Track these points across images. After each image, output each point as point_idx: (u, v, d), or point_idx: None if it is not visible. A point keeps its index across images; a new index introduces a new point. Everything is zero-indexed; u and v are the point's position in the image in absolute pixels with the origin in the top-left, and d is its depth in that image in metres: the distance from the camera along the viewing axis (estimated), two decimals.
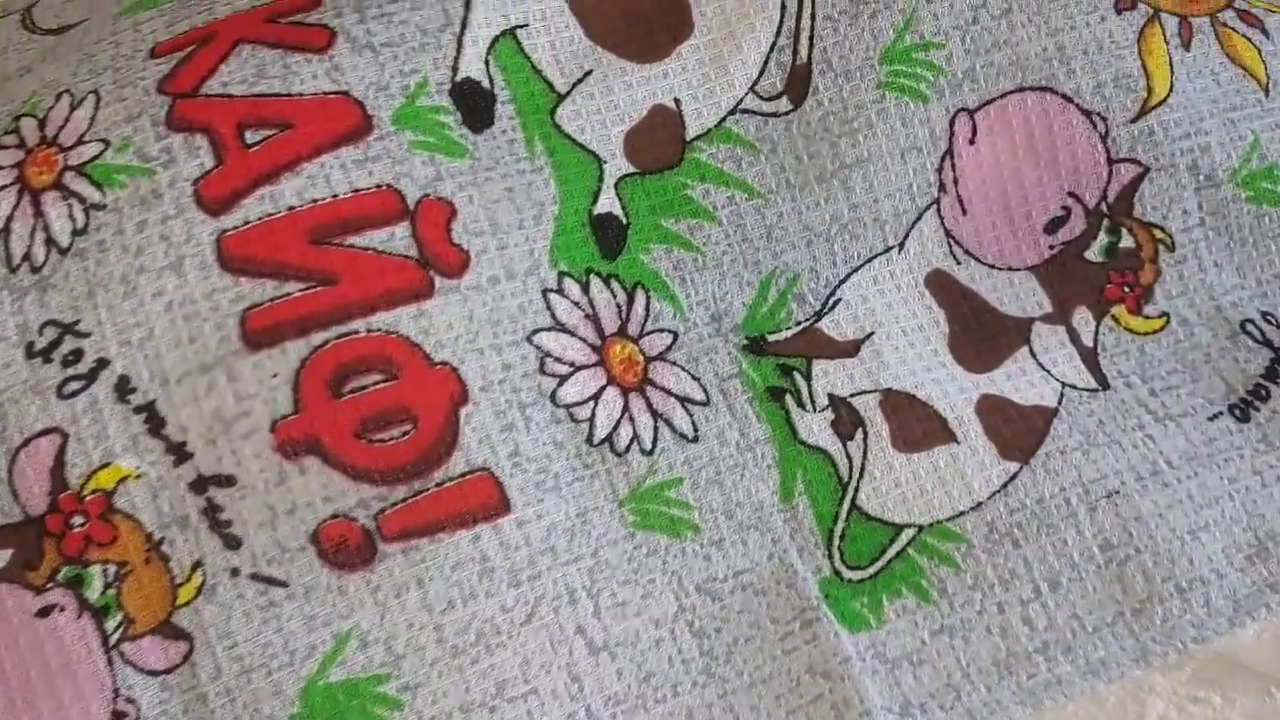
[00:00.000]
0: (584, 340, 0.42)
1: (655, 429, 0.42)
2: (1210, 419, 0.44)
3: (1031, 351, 0.45)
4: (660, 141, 0.44)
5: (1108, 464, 0.43)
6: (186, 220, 0.38)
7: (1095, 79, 0.46)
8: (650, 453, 0.42)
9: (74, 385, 0.38)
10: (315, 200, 0.40)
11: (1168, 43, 0.47)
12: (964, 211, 0.46)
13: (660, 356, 0.43)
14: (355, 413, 0.38)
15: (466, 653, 0.38)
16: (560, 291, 0.42)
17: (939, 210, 0.46)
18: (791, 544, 0.42)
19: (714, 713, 0.39)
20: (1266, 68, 0.48)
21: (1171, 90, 0.47)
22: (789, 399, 0.43)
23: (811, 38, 0.45)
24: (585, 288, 0.42)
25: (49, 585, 0.37)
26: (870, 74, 0.45)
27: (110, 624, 0.38)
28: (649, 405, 0.42)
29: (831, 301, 0.45)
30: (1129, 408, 0.44)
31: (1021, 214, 0.46)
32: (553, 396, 0.41)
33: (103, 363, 0.38)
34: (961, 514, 0.42)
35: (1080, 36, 0.46)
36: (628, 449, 0.41)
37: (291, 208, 0.40)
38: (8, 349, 0.38)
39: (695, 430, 0.42)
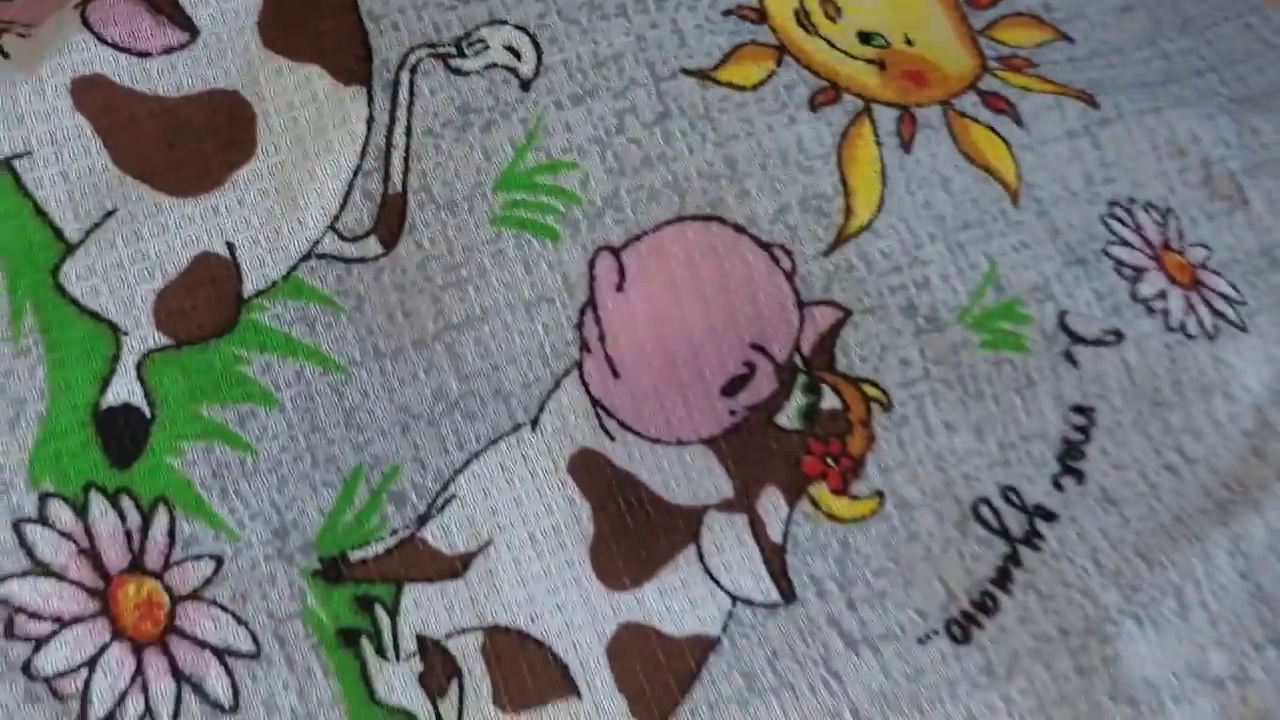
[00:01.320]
0: (77, 584, 0.32)
1: (178, 698, 0.32)
2: (920, 641, 0.35)
3: (700, 553, 0.35)
4: (206, 301, 0.34)
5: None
6: None
7: (777, 201, 0.36)
8: None
9: None
10: None
11: (880, 145, 0.37)
12: (615, 375, 0.36)
13: (195, 594, 0.33)
14: None
15: None
16: (42, 520, 0.32)
17: (582, 375, 0.35)
18: None
19: None
20: (1018, 166, 0.38)
21: (880, 210, 0.36)
22: (365, 644, 0.33)
23: (407, 159, 0.35)
24: (81, 511, 0.32)
25: None
26: (482, 205, 0.35)
27: None
28: (172, 665, 0.32)
29: (442, 500, 0.34)
30: (815, 629, 0.34)
31: (691, 374, 0.36)
32: (26, 667, 0.30)
33: None
34: None
35: (758, 146, 0.36)
36: None
37: None
38: None
39: (235, 696, 0.32)
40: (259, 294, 0.35)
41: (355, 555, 0.34)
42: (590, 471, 0.36)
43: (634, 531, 0.35)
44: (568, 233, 0.35)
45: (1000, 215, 0.38)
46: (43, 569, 0.32)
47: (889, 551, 0.36)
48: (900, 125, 0.38)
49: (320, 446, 0.34)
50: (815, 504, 0.36)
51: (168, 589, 0.33)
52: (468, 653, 0.33)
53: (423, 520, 0.35)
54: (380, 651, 0.33)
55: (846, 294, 0.36)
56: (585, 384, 0.36)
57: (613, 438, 0.36)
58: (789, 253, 0.36)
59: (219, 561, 0.33)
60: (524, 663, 0.33)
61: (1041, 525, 0.36)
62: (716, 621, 0.34)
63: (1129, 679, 0.34)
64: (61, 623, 0.32)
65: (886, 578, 0.35)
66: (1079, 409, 0.37)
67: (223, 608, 0.33)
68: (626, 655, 0.34)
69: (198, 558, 0.33)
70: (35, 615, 0.31)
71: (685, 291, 0.36)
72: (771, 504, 0.36)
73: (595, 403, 0.36)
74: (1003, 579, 0.35)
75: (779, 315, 0.36)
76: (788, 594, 0.35)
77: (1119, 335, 0.38)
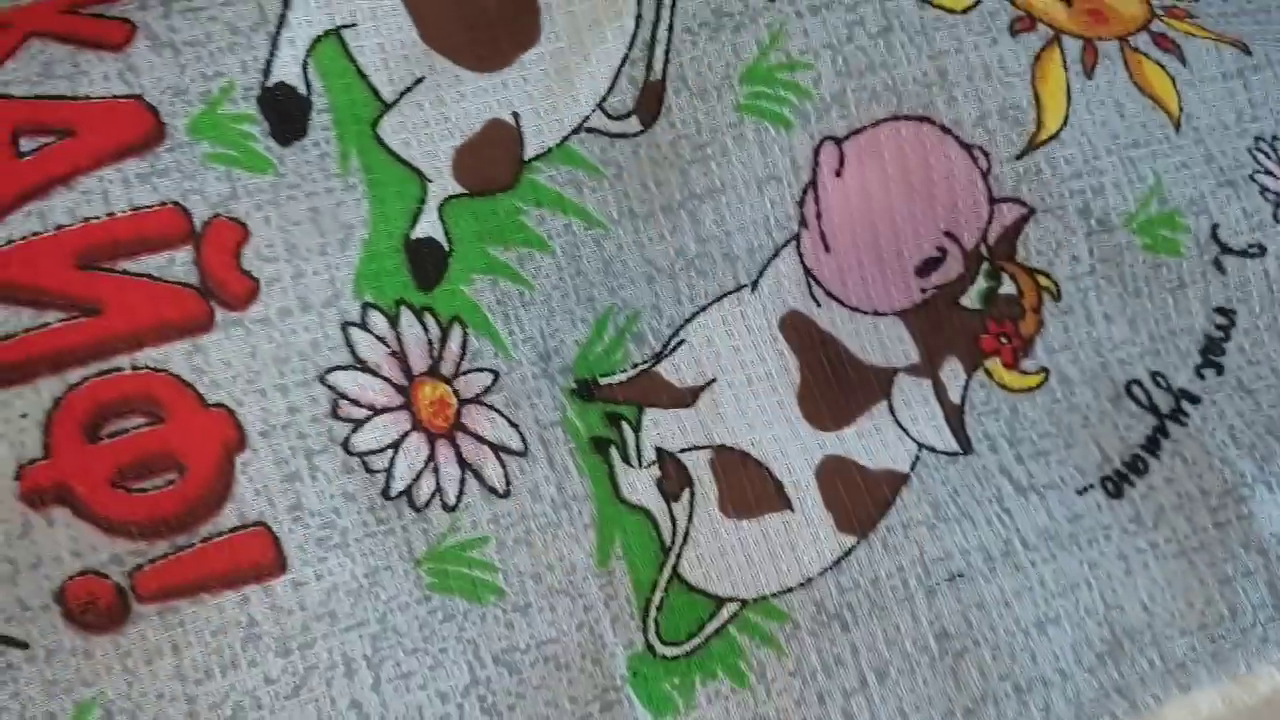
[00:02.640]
0: (388, 380, 0.38)
1: (462, 481, 0.38)
2: (1079, 492, 0.41)
3: (890, 407, 0.41)
4: (494, 160, 0.40)
5: (954, 541, 0.39)
6: None
7: (979, 109, 0.42)
8: (453, 508, 0.38)
9: None
10: (88, 219, 0.36)
11: (1067, 69, 0.43)
12: (827, 249, 0.42)
13: (477, 399, 0.39)
14: (112, 459, 0.35)
15: None
16: (363, 325, 0.38)
17: (799, 247, 0.42)
18: (605, 613, 0.38)
19: None
20: (1180, 99, 0.44)
21: (1065, 124, 0.42)
22: (614, 451, 0.39)
23: (668, 51, 0.41)
24: (393, 321, 0.39)
25: None
26: (729, 94, 0.41)
27: None
28: (458, 454, 0.39)
29: (674, 343, 0.41)
30: (989, 475, 0.40)
31: (891, 253, 0.42)
32: (345, 443, 0.37)
33: None
34: (789, 590, 0.38)
35: (966, 60, 0.42)
36: (428, 504, 0.38)
37: (60, 226, 0.36)
38: None
39: (507, 483, 0.39)
40: (537, 157, 0.41)
41: (604, 381, 0.41)
42: (798, 331, 0.42)
43: (834, 384, 0.42)
44: (799, 123, 0.42)
45: (1165, 139, 0.44)
46: (361, 365, 0.38)
47: (1052, 418, 0.42)
48: (1084, 54, 0.44)
49: (581, 288, 0.41)
50: (989, 375, 0.42)
51: (456, 393, 0.39)
52: (698, 465, 0.40)
53: (658, 358, 0.41)
54: (625, 459, 0.40)
55: (1032, 194, 0.42)
56: (800, 255, 0.42)
57: (819, 304, 0.42)
58: (986, 154, 0.42)
59: (496, 375, 0.40)
60: (745, 478, 0.40)
61: (1186, 405, 0.42)
62: (906, 462, 0.41)
63: (1260, 534, 0.40)
64: (374, 410, 0.38)
65: (1049, 439, 0.41)
66: (1222, 310, 0.43)
67: (499, 412, 0.40)
68: (831, 480, 0.40)
69: (480, 370, 0.40)
70: (354, 402, 0.38)
71: (894, 181, 0.42)
72: (952, 371, 0.42)
73: (807, 272, 0.42)
74: (1151, 446, 0.41)
75: (972, 208, 0.42)
76: (965, 446, 0.41)
77: (1262, 249, 0.43)
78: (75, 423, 0.35)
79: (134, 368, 0.36)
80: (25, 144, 0.37)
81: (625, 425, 0.40)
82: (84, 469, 0.35)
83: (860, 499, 0.39)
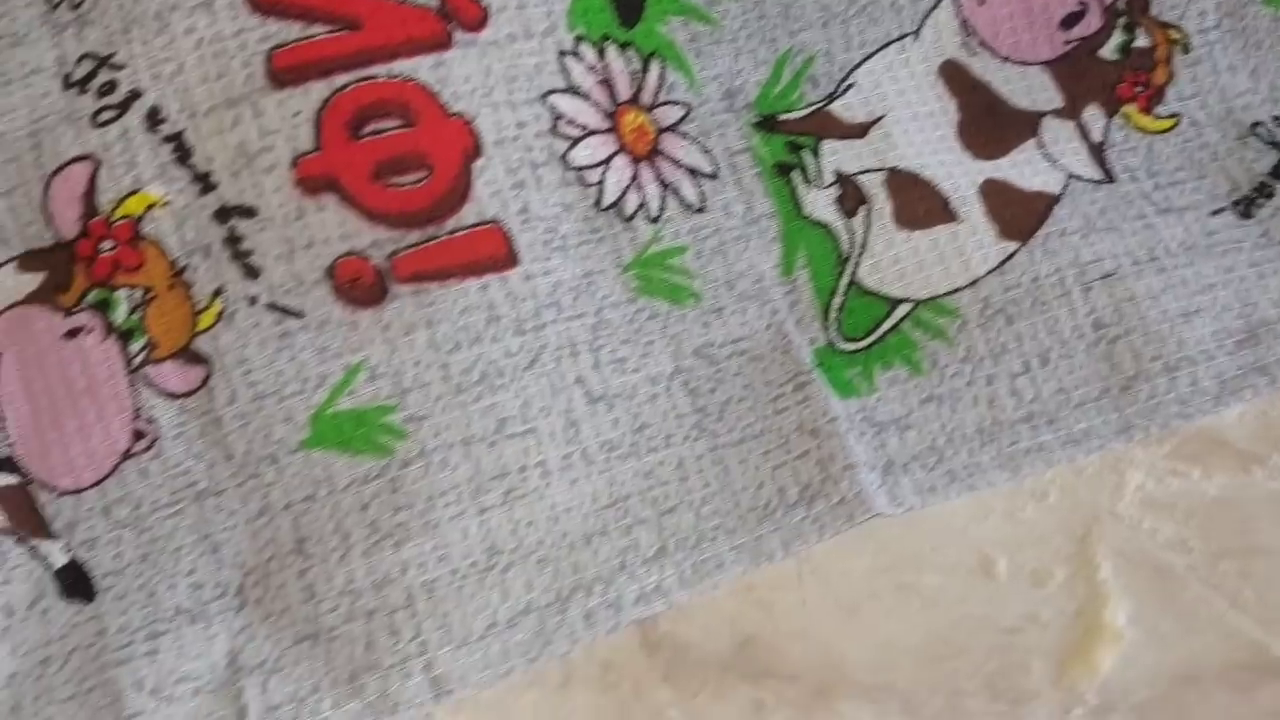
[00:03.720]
0: (597, 105, 0.43)
1: (663, 198, 0.43)
2: (1213, 214, 0.45)
3: (1039, 143, 0.46)
4: None
5: (1105, 248, 0.43)
6: None
7: None
8: (656, 220, 0.43)
9: (107, 115, 0.39)
10: None
11: None
12: (982, 2, 0.46)
13: (671, 128, 0.44)
14: (373, 154, 0.40)
15: (469, 391, 0.40)
16: (576, 55, 0.43)
17: None
18: (790, 315, 0.43)
19: (703, 464, 0.41)
20: None
21: None
22: (795, 175, 0.44)
23: None
24: (601, 54, 0.43)
25: (77, 308, 0.39)
26: None
27: (134, 347, 0.40)
28: (657, 175, 0.43)
29: (844, 86, 0.45)
30: (1132, 199, 0.45)
31: (1039, 7, 0.46)
32: (564, 158, 0.42)
33: (135, 94, 0.39)
34: (957, 290, 0.43)
35: None
36: (634, 215, 0.43)
37: None
38: (45, 80, 0.40)
39: (702, 201, 0.43)
40: None
41: (783, 118, 0.45)
42: (954, 77, 0.46)
43: (987, 123, 0.46)
44: None
45: None
46: (574, 90, 0.43)
47: (1184, 154, 0.46)
48: None
49: (764, 30, 0.45)
50: (1127, 119, 0.47)
51: (654, 121, 0.44)
52: (873, 184, 0.44)
53: (830, 98, 0.46)
54: (806, 180, 0.45)
55: None
56: (958, 6, 0.46)
57: (973, 54, 0.47)
58: None
59: (688, 107, 0.44)
60: (916, 194, 0.44)
61: None
62: (1058, 185, 0.45)
63: None
64: (587, 130, 0.43)
65: (1183, 171, 0.46)
66: None
67: (692, 140, 0.44)
68: (992, 196, 0.44)
69: (674, 102, 0.44)
70: (570, 122, 0.43)
71: None
72: (1092, 116, 0.46)
73: (964, 23, 0.46)
74: (1277, 173, 0.46)
75: None
76: (1109, 176, 0.46)
77: None
78: (341, 121, 0.40)
79: (389, 76, 0.40)
80: None
81: (805, 152, 0.45)
82: (349, 162, 0.40)
83: (1019, 212, 0.44)
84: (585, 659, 0.38)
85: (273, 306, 0.39)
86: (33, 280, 0.40)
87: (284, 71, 0.39)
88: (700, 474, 0.41)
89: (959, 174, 0.45)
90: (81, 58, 0.40)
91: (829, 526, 0.40)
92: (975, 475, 0.41)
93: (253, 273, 0.39)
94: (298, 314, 0.39)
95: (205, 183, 0.39)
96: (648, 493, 0.40)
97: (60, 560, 0.39)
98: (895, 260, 0.44)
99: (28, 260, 0.40)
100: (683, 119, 0.44)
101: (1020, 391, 0.42)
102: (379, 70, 0.40)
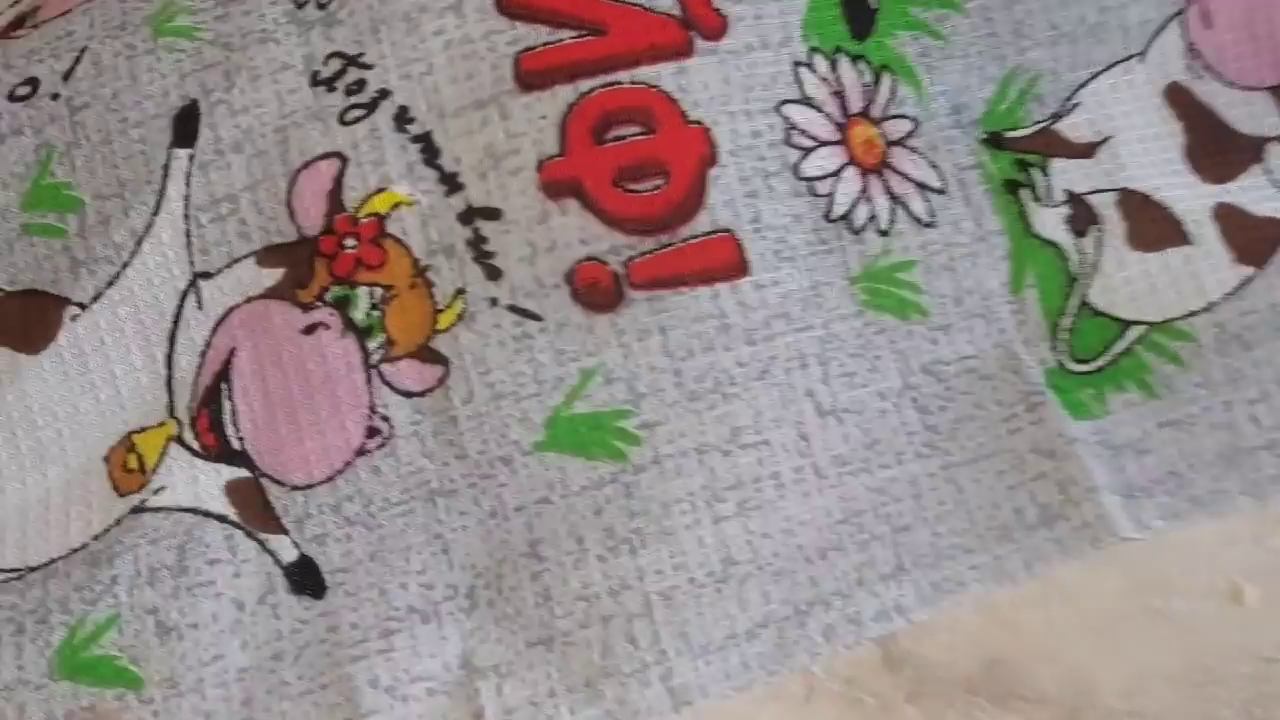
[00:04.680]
0: (829, 117, 0.43)
1: (893, 211, 0.43)
2: None
3: (1266, 169, 0.45)
4: None
5: None
6: None
7: None
8: (886, 233, 0.42)
9: (355, 113, 0.40)
10: None
11: None
12: (1208, 25, 0.45)
13: (900, 142, 0.43)
14: (615, 160, 0.40)
15: (703, 398, 0.39)
16: (810, 66, 0.42)
17: (1184, 21, 0.45)
18: (1017, 335, 0.42)
19: (936, 482, 0.40)
20: None
21: None
22: (1024, 193, 0.44)
23: None
24: (833, 65, 0.43)
25: (317, 303, 0.39)
26: None
27: (372, 344, 0.40)
28: (887, 188, 0.43)
29: (1070, 105, 0.45)
30: None
31: (1265, 31, 0.45)
32: (795, 169, 0.42)
33: (384, 93, 0.40)
34: (1192, 314, 0.42)
35: None
36: (864, 228, 0.42)
37: None
38: (293, 77, 0.40)
39: (931, 216, 0.43)
40: None
41: (1009, 135, 0.45)
42: (1179, 99, 0.45)
43: (1212, 147, 0.45)
44: None
45: None
46: (807, 100, 0.43)
47: None
48: None
49: (994, 47, 0.45)
50: None
51: (883, 135, 0.44)
52: (1105, 205, 0.44)
53: (1056, 117, 0.45)
54: (1035, 199, 0.44)
55: None
56: (1184, 29, 0.46)
57: (1198, 76, 0.46)
58: None
59: (916, 122, 0.44)
60: (1149, 215, 0.43)
61: None
62: None
63: None
64: (819, 142, 0.43)
65: None
66: None
67: (920, 154, 0.44)
68: (1226, 220, 0.44)
69: (903, 116, 0.44)
70: (803, 133, 0.42)
71: None
72: None
73: (1190, 46, 0.46)
74: None
75: None
76: None
77: None
78: (585, 126, 0.40)
79: (632, 82, 0.40)
80: None
81: (1034, 170, 0.44)
82: (592, 166, 0.39)
83: (1254, 236, 0.43)
84: (827, 674, 0.38)
85: (513, 309, 0.39)
86: (272, 275, 0.40)
87: (531, 75, 0.39)
88: (934, 492, 0.40)
89: (1190, 197, 0.44)
90: (329, 56, 0.40)
91: (1072, 549, 0.39)
92: (1220, 501, 0.40)
93: (495, 274, 0.39)
94: (537, 317, 0.39)
95: (452, 183, 0.39)
96: (881, 509, 0.39)
97: (290, 555, 0.39)
98: (1127, 282, 0.43)
99: (268, 255, 0.40)
100: (911, 133, 0.44)
101: (1259, 418, 0.41)
102: (623, 76, 0.40)
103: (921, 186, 0.43)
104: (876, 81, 0.43)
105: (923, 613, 0.38)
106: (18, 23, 0.45)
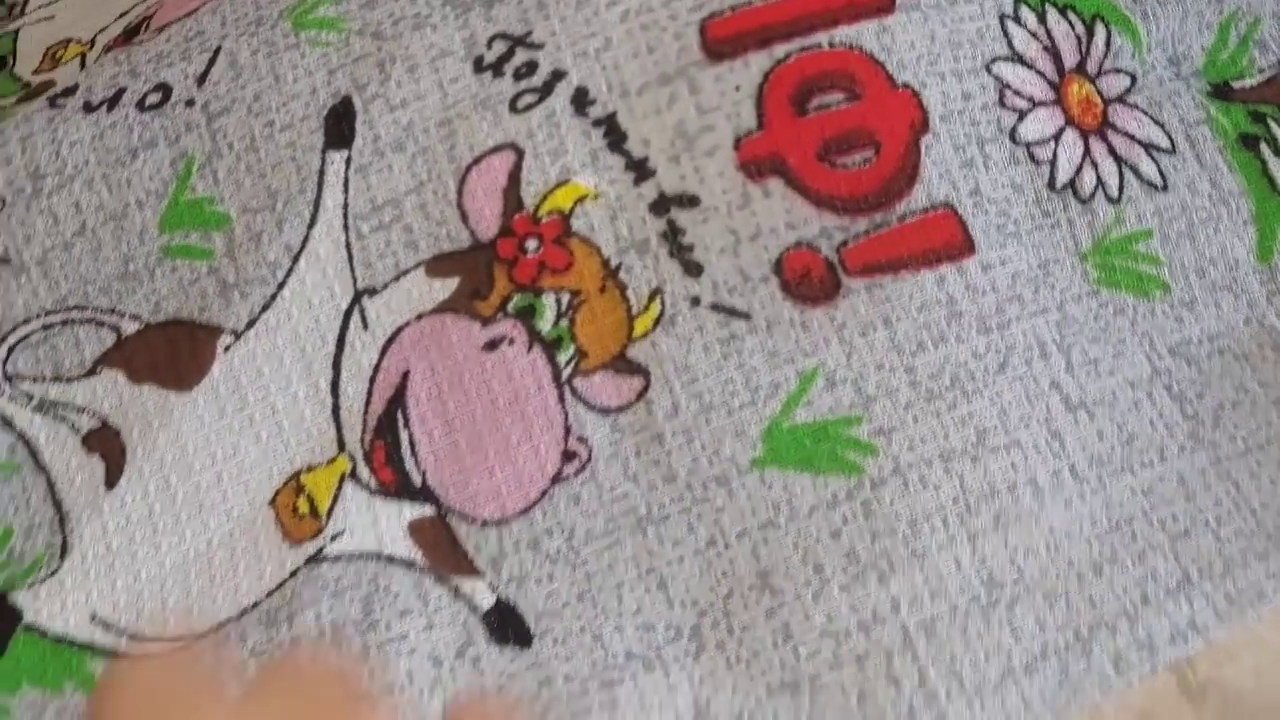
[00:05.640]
0: (1041, 75, 0.38)
1: (1121, 175, 0.38)
2: None
3: None
4: None
5: None
6: None
7: None
8: (1117, 201, 0.37)
9: (528, 99, 0.35)
10: None
11: None
12: None
13: (1120, 99, 0.39)
14: (819, 132, 0.35)
15: (942, 397, 0.34)
16: (1017, 20, 0.38)
17: None
18: (1269, 308, 0.37)
19: (1208, 479, 0.35)
20: None
21: None
22: (1265, 148, 0.39)
23: None
24: (1042, 18, 0.38)
25: (498, 316, 0.35)
26: None
27: (562, 358, 0.35)
28: (1111, 150, 0.38)
29: None
30: None
31: None
32: (1012, 133, 0.37)
33: (558, 74, 0.35)
34: None
35: None
36: (1092, 196, 0.37)
37: None
38: (455, 64, 0.36)
39: (1164, 179, 0.38)
40: None
41: (1236, 85, 0.40)
42: None
43: None
44: None
45: None
46: (1018, 57, 0.38)
47: None
48: None
49: None
50: None
51: (1099, 91, 0.39)
52: None
53: None
54: (1277, 154, 0.39)
55: None
56: None
57: None
58: None
59: (1133, 76, 0.39)
60: None
61: None
62: None
63: None
64: (1034, 102, 0.38)
65: None
66: None
67: (1143, 111, 0.39)
68: None
69: (1119, 71, 0.39)
70: (1017, 93, 0.38)
71: None
72: None
73: None
74: None
75: None
76: None
77: None
78: (785, 95, 0.35)
79: (831, 45, 0.36)
80: None
81: (1273, 123, 0.39)
82: (795, 140, 0.35)
83: None
84: (1119, 709, 0.32)
85: (717, 307, 0.35)
86: (444, 287, 0.35)
87: (720, 43, 0.35)
88: (1208, 491, 0.35)
89: None
90: (493, 38, 0.36)
91: None
92: None
93: (694, 269, 0.35)
94: (745, 315, 0.34)
95: (641, 170, 0.35)
96: (1151, 513, 0.34)
97: (487, 601, 0.34)
98: None
99: (439, 264, 0.35)
100: (1129, 88, 0.39)
101: None
102: (820, 38, 0.35)
103: (1148, 147, 0.38)
104: (1090, 33, 0.38)
105: (1221, 630, 0.33)
106: (128, 35, 0.41)
